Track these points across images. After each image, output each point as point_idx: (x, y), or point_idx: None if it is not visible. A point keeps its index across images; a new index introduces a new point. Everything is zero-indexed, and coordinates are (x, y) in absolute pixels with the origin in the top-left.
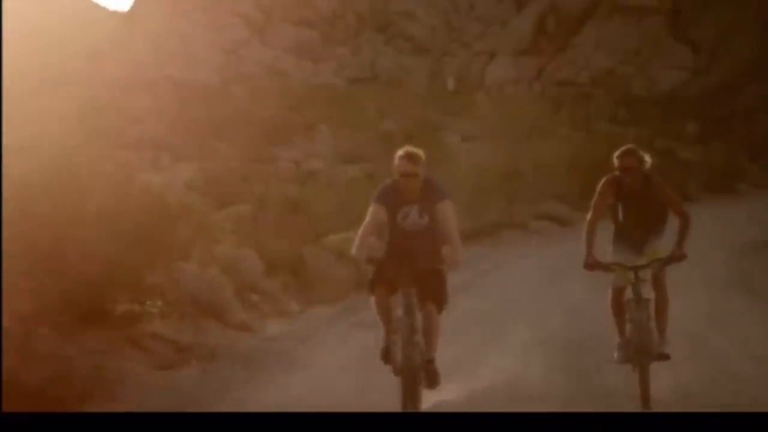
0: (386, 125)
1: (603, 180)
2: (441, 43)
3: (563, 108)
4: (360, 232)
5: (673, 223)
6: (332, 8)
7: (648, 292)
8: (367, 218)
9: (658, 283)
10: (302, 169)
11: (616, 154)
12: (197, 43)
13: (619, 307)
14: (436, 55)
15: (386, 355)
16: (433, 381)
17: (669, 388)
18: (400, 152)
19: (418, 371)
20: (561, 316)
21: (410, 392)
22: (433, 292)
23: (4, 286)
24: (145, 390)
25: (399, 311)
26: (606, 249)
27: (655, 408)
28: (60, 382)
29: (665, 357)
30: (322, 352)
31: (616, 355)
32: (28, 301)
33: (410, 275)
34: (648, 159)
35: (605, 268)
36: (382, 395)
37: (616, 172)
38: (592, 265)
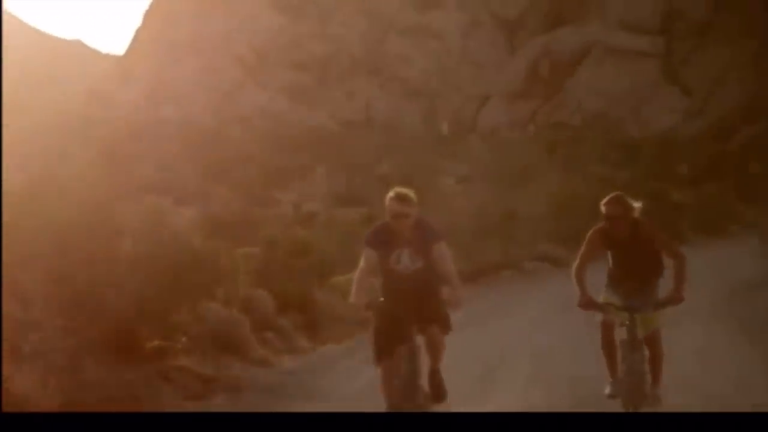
0: (381, 168)
1: (591, 230)
2: (434, 87)
3: (556, 150)
4: (356, 277)
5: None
6: (326, 51)
7: (641, 335)
8: (361, 263)
9: (654, 339)
10: (302, 211)
11: (603, 201)
12: (192, 85)
13: (610, 346)
14: (429, 99)
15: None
16: (438, 394)
17: None
18: (390, 193)
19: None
20: (561, 353)
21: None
22: (435, 316)
23: (45, 323)
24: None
25: (402, 351)
26: (600, 291)
27: None
28: (106, 407)
29: (658, 400)
30: (336, 384)
31: (607, 389)
32: (70, 337)
33: (411, 317)
34: (637, 205)
35: (600, 308)
36: None
37: (604, 222)
38: (587, 304)
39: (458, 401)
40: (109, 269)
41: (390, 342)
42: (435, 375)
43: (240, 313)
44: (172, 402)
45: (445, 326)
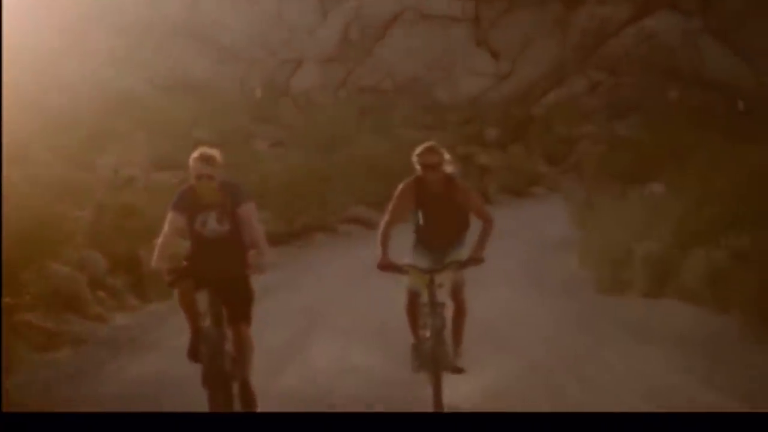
0: (198, 133)
1: (403, 183)
2: (249, 51)
3: (368, 115)
4: (159, 242)
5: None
6: (144, 15)
7: (444, 298)
8: (165, 227)
9: (456, 294)
10: (121, 175)
11: (417, 152)
12: (16, 49)
13: (414, 312)
14: (244, 63)
15: (194, 356)
16: (249, 402)
17: (476, 390)
18: (194, 154)
19: (230, 383)
20: (372, 306)
21: (219, 404)
22: (240, 307)
23: None
24: (32, 366)
25: (206, 321)
26: (406, 254)
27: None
28: None
29: (459, 371)
30: (166, 338)
31: (411, 362)
32: None
33: (215, 284)
34: (448, 156)
35: (399, 269)
36: None
37: (417, 174)
38: (385, 266)
39: (277, 362)
40: None
41: (196, 306)
42: (246, 387)
43: (77, 273)
44: (23, 354)
45: (250, 317)
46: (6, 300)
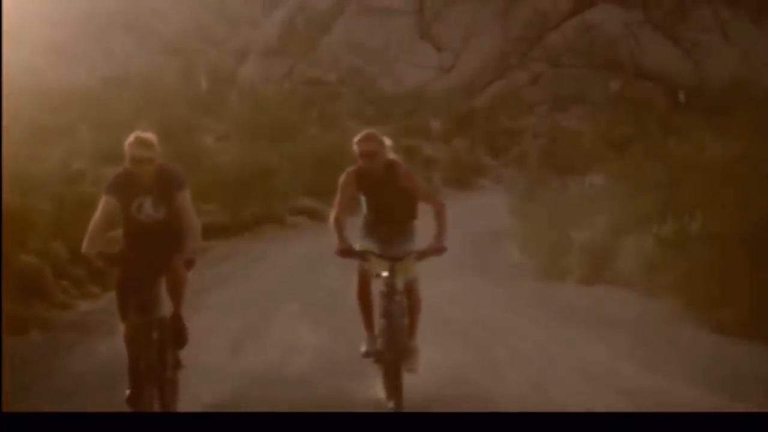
0: (141, 125)
1: (344, 173)
2: (191, 43)
3: (313, 106)
4: (90, 227)
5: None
6: (83, 7)
7: (401, 285)
8: (98, 211)
9: (411, 290)
10: (71, 169)
11: (356, 140)
12: None
13: (366, 298)
14: (187, 55)
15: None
16: (179, 340)
17: (432, 380)
18: (130, 138)
19: (160, 374)
20: (322, 293)
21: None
22: (174, 292)
23: None
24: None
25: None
26: (356, 243)
27: (407, 407)
28: None
29: (414, 370)
30: None
31: (363, 348)
32: None
33: (149, 268)
34: (389, 143)
35: (359, 255)
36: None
37: (359, 163)
38: (345, 251)
39: (235, 343)
40: None
41: (131, 294)
42: (177, 320)
43: (42, 263)
44: None
45: (182, 300)
46: None
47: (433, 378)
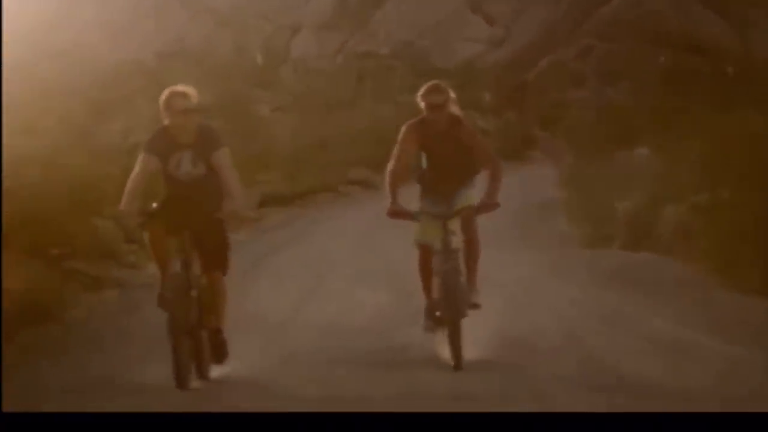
0: (199, 99)
1: (405, 125)
2: (244, 17)
3: (366, 80)
4: (128, 184)
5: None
6: None
7: (457, 243)
8: (136, 169)
9: (468, 229)
10: (129, 141)
11: (421, 92)
12: (14, 19)
13: (427, 269)
14: (241, 29)
15: (163, 302)
16: (220, 354)
17: (482, 339)
18: (164, 95)
19: (198, 332)
20: (378, 260)
21: (187, 363)
22: (215, 255)
23: None
24: (83, 304)
25: (177, 265)
26: (413, 206)
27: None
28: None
29: (476, 306)
30: None
31: (423, 323)
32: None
33: (188, 228)
34: (454, 97)
35: (411, 216)
36: None
37: (422, 114)
38: (396, 212)
39: (296, 302)
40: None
41: (166, 251)
42: (217, 334)
43: (116, 227)
44: (72, 296)
45: (226, 266)
46: (55, 250)
47: (484, 338)
